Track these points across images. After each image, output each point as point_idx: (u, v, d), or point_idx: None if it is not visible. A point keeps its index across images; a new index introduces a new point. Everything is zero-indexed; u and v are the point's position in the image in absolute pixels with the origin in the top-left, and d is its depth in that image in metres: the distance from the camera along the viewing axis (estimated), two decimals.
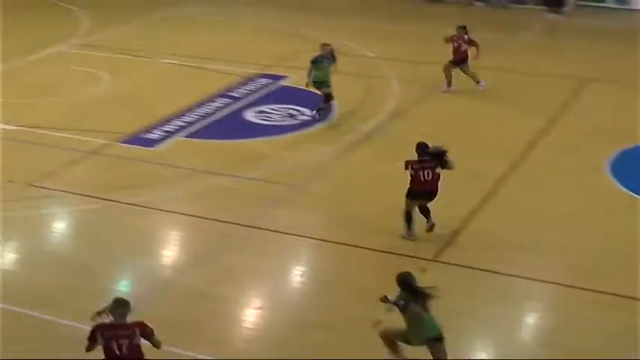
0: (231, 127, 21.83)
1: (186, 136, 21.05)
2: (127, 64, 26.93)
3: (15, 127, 21.16)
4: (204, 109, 22.75)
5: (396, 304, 11.51)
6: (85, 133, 20.87)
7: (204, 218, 16.67)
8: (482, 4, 35.73)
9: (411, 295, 11.47)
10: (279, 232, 16.17)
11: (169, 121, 21.77)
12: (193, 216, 16.91)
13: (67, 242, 16.47)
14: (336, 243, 15.84)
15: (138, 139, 20.74)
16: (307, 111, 22.25)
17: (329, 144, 20.41)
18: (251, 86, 24.56)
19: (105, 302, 10.61)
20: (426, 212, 15.90)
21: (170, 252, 16.16)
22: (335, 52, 22.30)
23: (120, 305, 10.50)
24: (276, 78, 25.15)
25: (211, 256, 15.35)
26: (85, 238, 16.45)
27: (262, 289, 14.60)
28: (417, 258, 15.15)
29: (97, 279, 14.68)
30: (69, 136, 20.77)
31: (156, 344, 10.57)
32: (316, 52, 22.18)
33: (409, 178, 15.68)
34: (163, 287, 14.53)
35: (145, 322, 10.57)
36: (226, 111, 22.76)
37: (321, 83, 21.78)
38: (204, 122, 21.94)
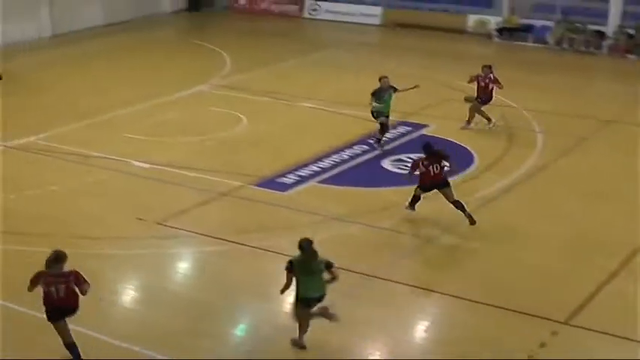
0: (367, 174, 21.88)
1: (320, 182, 21.20)
2: (266, 106, 27.40)
3: (149, 165, 21.70)
4: (341, 155, 22.88)
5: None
6: (218, 174, 21.29)
7: None
8: (636, 57, 35.03)
9: (304, 257, 13.67)
10: (404, 284, 16.07)
11: (304, 166, 21.96)
12: None
13: (190, 283, 16.73)
14: (463, 299, 15.63)
15: (271, 183, 21.00)
16: (445, 163, 22.12)
17: (466, 197, 20.12)
18: (391, 134, 24.58)
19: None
20: (460, 207, 18.51)
21: (292, 298, 16.20)
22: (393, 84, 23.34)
23: (58, 260, 12.84)
24: (417, 126, 25.12)
25: (332, 304, 15.32)
26: (208, 279, 16.67)
27: (381, 341, 14.50)
28: (550, 320, 14.83)
29: (216, 321, 14.92)
30: (202, 176, 21.21)
31: (84, 292, 12.96)
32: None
33: (419, 174, 18.57)
34: (283, 333, 14.54)
35: (79, 272, 12.92)
36: (363, 158, 22.83)
37: (379, 113, 23.15)
38: (340, 169, 22.05)
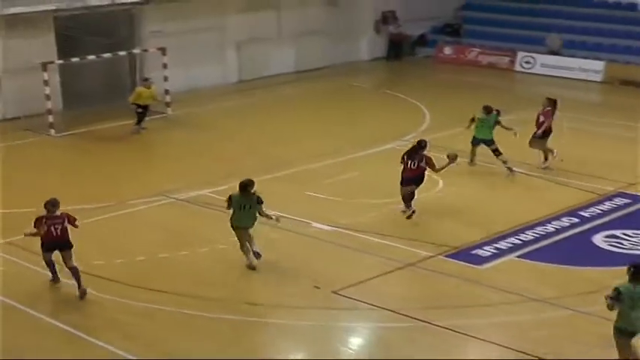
0: (575, 251, 21.27)
1: (520, 257, 20.75)
2: (466, 169, 26.97)
3: (329, 228, 21.74)
4: (546, 228, 22.39)
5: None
6: (406, 242, 21.18)
7: (522, 353, 16.19)
8: None
9: (241, 194, 19.24)
10: None
11: (504, 238, 21.58)
12: (508, 348, 16.47)
13: None
14: None
15: (465, 255, 20.71)
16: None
17: None
18: (605, 206, 23.93)
19: None
20: (408, 199, 22.41)
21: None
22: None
23: (53, 205, 18.12)
24: (637, 199, 24.31)
25: None
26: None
27: None
28: None
29: None
30: (388, 242, 21.17)
31: (76, 226, 18.55)
32: None
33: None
34: None
35: (69, 213, 18.41)
36: (571, 232, 22.25)
37: (491, 141, 26.47)
38: (544, 242, 21.56)
